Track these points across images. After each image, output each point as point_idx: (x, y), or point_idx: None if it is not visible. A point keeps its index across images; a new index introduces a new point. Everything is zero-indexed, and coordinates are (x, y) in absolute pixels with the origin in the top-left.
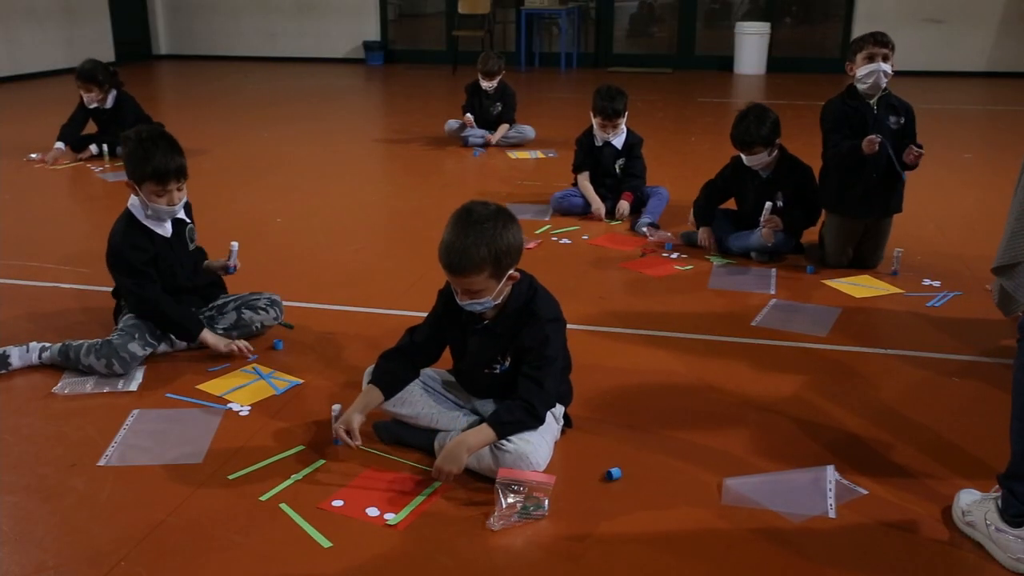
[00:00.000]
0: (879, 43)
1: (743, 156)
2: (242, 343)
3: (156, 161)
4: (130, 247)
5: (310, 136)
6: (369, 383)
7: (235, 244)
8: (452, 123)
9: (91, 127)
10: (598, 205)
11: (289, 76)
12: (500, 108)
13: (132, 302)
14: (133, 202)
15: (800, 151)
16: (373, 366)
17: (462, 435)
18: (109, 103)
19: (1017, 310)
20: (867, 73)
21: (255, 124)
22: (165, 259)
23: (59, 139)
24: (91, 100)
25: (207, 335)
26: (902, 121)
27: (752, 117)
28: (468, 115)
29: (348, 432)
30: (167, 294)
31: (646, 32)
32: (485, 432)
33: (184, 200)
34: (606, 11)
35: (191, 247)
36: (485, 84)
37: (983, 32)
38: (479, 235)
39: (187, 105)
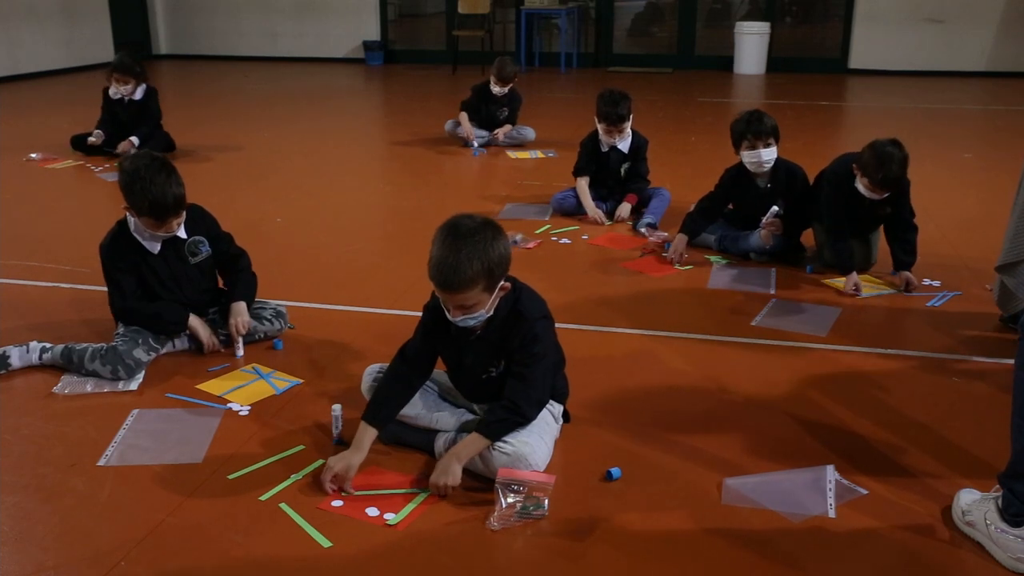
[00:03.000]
0: (886, 185)
1: (753, 154)
2: (218, 345)
3: (154, 196)
4: (109, 253)
5: (310, 136)
6: (363, 420)
7: (240, 350)
8: (452, 123)
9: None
10: (594, 213)
11: (289, 76)
12: (506, 113)
13: (111, 306)
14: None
15: (800, 151)
16: (372, 369)
17: (454, 448)
18: (138, 95)
19: (1017, 307)
20: (868, 194)
21: (255, 124)
22: (156, 273)
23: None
24: (122, 92)
25: (193, 322)
26: (889, 209)
27: (759, 113)
28: (471, 134)
29: (341, 476)
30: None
31: (646, 32)
32: (475, 440)
33: (182, 223)
34: (606, 11)
35: (193, 261)
36: (497, 89)
37: (983, 32)
38: (471, 249)
39: (187, 105)
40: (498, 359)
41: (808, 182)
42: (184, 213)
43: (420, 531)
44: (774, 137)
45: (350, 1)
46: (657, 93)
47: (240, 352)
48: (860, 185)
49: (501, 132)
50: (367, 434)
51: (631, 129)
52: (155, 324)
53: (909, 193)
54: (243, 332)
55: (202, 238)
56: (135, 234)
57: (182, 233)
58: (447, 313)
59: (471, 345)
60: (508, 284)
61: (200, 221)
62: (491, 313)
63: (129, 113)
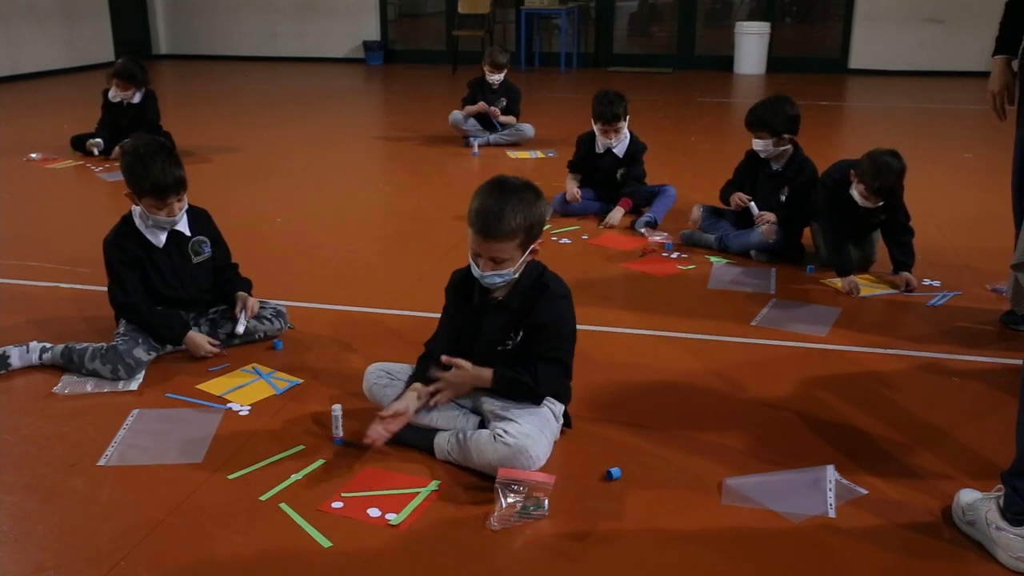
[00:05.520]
0: (881, 194)
1: (753, 140)
2: (217, 349)
3: (154, 176)
4: (114, 247)
5: (310, 136)
6: (411, 385)
7: (241, 325)
8: (457, 114)
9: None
10: (571, 193)
11: (289, 76)
12: (505, 103)
13: (112, 303)
14: (135, 207)
15: None
16: (373, 368)
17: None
18: (136, 99)
19: None
20: (862, 201)
21: (255, 124)
22: (159, 269)
23: (98, 135)
24: (122, 97)
25: (191, 336)
26: (883, 216)
27: (769, 103)
28: (484, 106)
29: (393, 416)
30: (170, 304)
31: (646, 32)
32: (486, 376)
33: (184, 210)
34: (606, 11)
35: (196, 260)
36: (492, 77)
37: (983, 32)
38: (516, 202)
39: (187, 105)
40: (516, 330)
41: (816, 178)
42: (185, 197)
43: (420, 531)
44: (767, 131)
45: (350, 1)
46: (657, 93)
47: (241, 328)
48: (855, 192)
49: (504, 119)
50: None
51: (629, 132)
52: (153, 330)
53: (903, 198)
54: (255, 311)
55: (205, 239)
56: (139, 227)
57: (186, 230)
58: (476, 269)
59: (491, 311)
60: (538, 247)
61: (205, 224)
62: (517, 275)
63: (128, 117)
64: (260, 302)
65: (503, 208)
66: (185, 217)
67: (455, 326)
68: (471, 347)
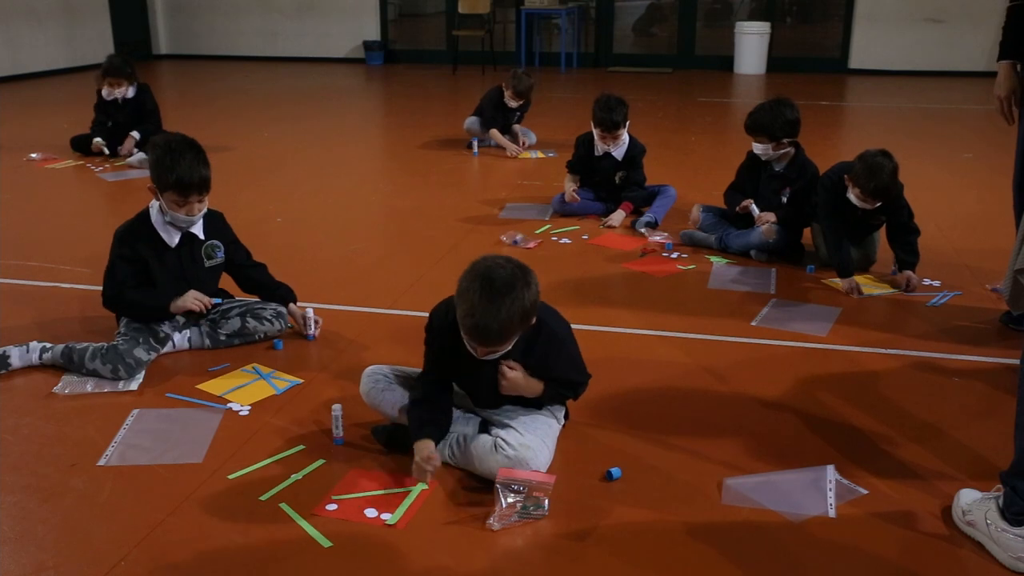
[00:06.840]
0: (877, 195)
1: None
2: (205, 300)
3: (180, 172)
4: (121, 240)
5: (310, 136)
6: (416, 441)
7: (311, 314)
8: (474, 123)
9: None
10: (569, 194)
11: (289, 76)
12: (518, 116)
13: (102, 295)
14: (153, 203)
15: None
16: (370, 371)
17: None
18: (130, 93)
19: None
20: (860, 204)
21: (255, 124)
22: (167, 269)
23: (95, 135)
24: (116, 94)
25: (178, 301)
26: (883, 218)
27: (768, 107)
28: (517, 150)
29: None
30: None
31: (646, 32)
32: (537, 386)
33: (203, 211)
34: (606, 11)
35: (208, 264)
36: (513, 104)
37: (983, 32)
38: (510, 305)
39: (187, 105)
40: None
41: (816, 178)
42: (207, 198)
43: (420, 531)
44: (766, 136)
45: (350, 1)
46: (657, 93)
47: (312, 332)
48: (852, 196)
49: (524, 141)
50: (425, 443)
51: (628, 135)
52: (136, 310)
53: (903, 198)
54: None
55: (219, 243)
56: (155, 224)
57: (200, 233)
58: (474, 352)
59: (492, 363)
60: (534, 320)
61: (220, 226)
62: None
63: (125, 113)
64: (260, 302)
65: (499, 318)
66: (200, 220)
67: (450, 372)
68: (475, 391)
